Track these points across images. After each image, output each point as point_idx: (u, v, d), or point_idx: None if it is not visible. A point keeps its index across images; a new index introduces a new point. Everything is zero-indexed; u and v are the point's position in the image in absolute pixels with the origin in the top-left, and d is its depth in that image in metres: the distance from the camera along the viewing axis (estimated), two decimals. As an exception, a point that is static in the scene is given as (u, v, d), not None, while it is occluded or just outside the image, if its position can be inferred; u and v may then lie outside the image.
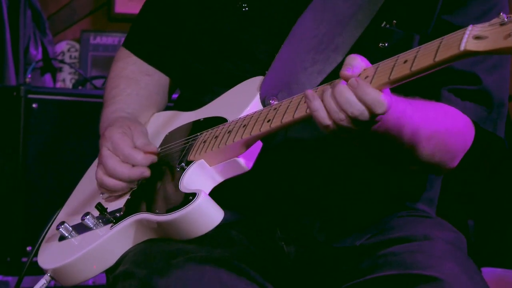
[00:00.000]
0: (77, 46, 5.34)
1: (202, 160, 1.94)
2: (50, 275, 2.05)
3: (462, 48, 1.55)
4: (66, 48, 5.36)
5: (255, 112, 1.90)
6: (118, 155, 2.02)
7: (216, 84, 2.10)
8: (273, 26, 2.07)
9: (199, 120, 2.08)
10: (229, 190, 1.93)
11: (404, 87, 1.97)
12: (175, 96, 2.33)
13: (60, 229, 2.06)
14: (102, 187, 2.06)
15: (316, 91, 1.76)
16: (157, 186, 2.00)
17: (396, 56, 1.66)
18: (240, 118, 1.92)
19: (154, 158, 2.04)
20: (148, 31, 2.30)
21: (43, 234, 2.16)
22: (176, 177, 1.95)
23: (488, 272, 3.24)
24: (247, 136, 1.86)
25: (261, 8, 2.09)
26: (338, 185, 2.02)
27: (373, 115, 1.69)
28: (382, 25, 1.98)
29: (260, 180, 2.00)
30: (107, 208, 2.03)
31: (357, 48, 1.94)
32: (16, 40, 4.65)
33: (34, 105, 3.65)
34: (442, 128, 1.94)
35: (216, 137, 1.93)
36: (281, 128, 1.82)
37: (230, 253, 1.92)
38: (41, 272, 2.11)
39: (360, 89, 1.68)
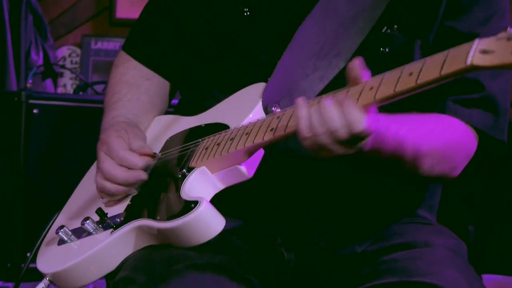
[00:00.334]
0: (78, 51, 5.35)
1: (204, 167, 1.94)
2: (49, 279, 2.04)
3: (468, 62, 1.54)
4: (67, 53, 5.36)
5: (258, 119, 1.90)
6: (113, 158, 2.02)
7: (217, 88, 2.10)
8: (274, 31, 2.06)
9: (200, 126, 2.07)
10: (230, 197, 1.92)
11: (407, 98, 1.98)
12: (174, 101, 2.33)
13: (60, 233, 2.05)
14: (102, 191, 2.06)
15: (309, 101, 1.77)
16: (158, 192, 1.99)
17: (401, 67, 1.66)
18: (242, 125, 1.92)
19: (149, 160, 2.04)
20: (149, 35, 2.29)
21: (41, 238, 2.15)
22: (177, 184, 1.94)
23: (489, 279, 3.23)
24: (250, 144, 1.86)
25: (262, 13, 2.09)
26: (339, 193, 2.02)
27: (355, 137, 1.70)
28: (383, 30, 1.98)
29: (261, 188, 1.99)
30: (107, 213, 2.02)
31: (359, 54, 1.94)
32: (17, 45, 4.66)
33: (35, 111, 3.65)
34: (440, 143, 1.94)
35: (218, 144, 1.93)
36: (284, 138, 1.82)
37: (231, 260, 1.92)
38: (39, 277, 2.11)
39: (345, 107, 1.69)
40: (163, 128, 2.18)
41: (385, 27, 1.98)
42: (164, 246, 1.92)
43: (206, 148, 1.95)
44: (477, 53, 1.54)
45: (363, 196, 2.03)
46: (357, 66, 1.73)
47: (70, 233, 2.05)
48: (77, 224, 2.06)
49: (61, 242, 2.06)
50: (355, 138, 1.71)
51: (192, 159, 1.97)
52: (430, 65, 1.61)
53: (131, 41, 2.33)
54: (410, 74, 1.63)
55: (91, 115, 3.74)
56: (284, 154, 1.99)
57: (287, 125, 1.81)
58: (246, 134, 1.87)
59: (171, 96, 2.32)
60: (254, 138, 1.85)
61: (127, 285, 1.87)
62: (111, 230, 1.98)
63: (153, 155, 2.06)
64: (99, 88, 4.51)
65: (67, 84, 5.18)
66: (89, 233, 2.01)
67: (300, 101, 1.75)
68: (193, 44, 2.20)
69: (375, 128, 1.73)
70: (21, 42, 4.67)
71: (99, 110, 3.73)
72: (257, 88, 2.01)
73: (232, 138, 1.90)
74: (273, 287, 1.98)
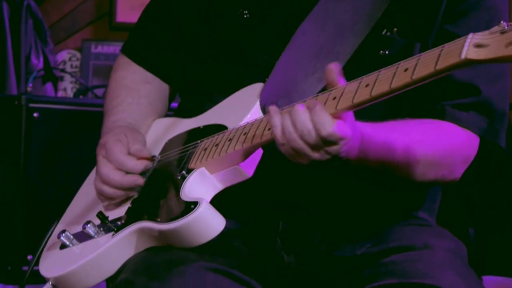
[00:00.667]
0: (78, 55, 5.35)
1: (203, 168, 1.94)
2: (52, 284, 2.04)
3: (463, 56, 1.55)
4: (67, 57, 5.36)
5: (256, 119, 1.90)
6: (111, 162, 2.03)
7: (216, 91, 2.10)
8: (274, 33, 2.07)
9: (199, 127, 2.07)
10: (230, 198, 1.93)
11: (403, 103, 1.99)
12: (174, 105, 2.33)
13: (61, 238, 2.05)
14: (100, 195, 2.06)
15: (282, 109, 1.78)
16: (158, 194, 2.00)
17: (396, 64, 1.66)
18: (240, 125, 1.92)
19: (148, 164, 2.04)
20: (148, 38, 2.29)
21: (44, 243, 2.16)
22: (177, 185, 1.95)
23: (489, 281, 3.23)
24: (248, 144, 1.86)
25: (262, 16, 2.09)
26: (338, 194, 2.02)
27: (324, 141, 1.70)
28: (383, 33, 1.98)
29: (260, 188, 1.99)
30: (108, 217, 2.03)
31: (358, 56, 1.94)
32: (18, 49, 4.66)
33: (35, 114, 3.65)
34: (432, 149, 1.94)
35: (217, 145, 1.93)
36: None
37: (231, 262, 1.92)
38: (42, 280, 2.11)
39: (314, 111, 1.70)
40: (162, 131, 2.18)
41: (385, 30, 1.98)
42: (165, 248, 1.93)
43: (205, 149, 1.96)
44: (471, 47, 1.54)
45: (363, 198, 2.03)
46: (334, 70, 1.74)
47: (71, 237, 2.05)
48: (78, 228, 2.07)
49: (63, 246, 2.07)
50: (325, 142, 1.72)
51: (191, 160, 1.97)
52: (425, 61, 1.61)
53: (131, 44, 2.33)
54: (406, 70, 1.64)
55: (92, 119, 3.74)
56: (283, 155, 1.99)
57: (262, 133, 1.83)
58: (244, 134, 1.88)
59: (171, 99, 2.33)
60: (252, 138, 1.85)
61: (127, 286, 1.87)
62: (112, 233, 1.98)
63: (151, 159, 2.06)
64: (99, 92, 4.52)
65: (67, 88, 5.18)
66: (91, 237, 2.02)
67: (272, 110, 1.77)
68: (192, 46, 2.20)
69: (351, 134, 1.73)
70: (21, 46, 4.67)
71: (99, 114, 3.72)
72: (255, 89, 2.01)
73: (231, 139, 1.91)
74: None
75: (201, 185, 1.93)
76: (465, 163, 2.01)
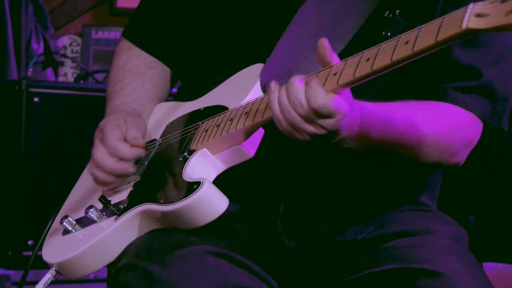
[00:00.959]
0: (79, 40, 5.34)
1: (205, 149, 1.94)
2: (55, 269, 2.04)
3: (464, 26, 1.54)
4: (68, 42, 5.35)
5: (257, 98, 1.90)
6: (106, 147, 2.02)
7: (217, 73, 2.09)
8: (275, 13, 2.06)
9: (199, 109, 2.07)
10: (230, 181, 1.92)
11: (405, 86, 1.98)
12: (174, 90, 2.33)
13: (64, 223, 2.05)
14: (93, 179, 2.06)
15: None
16: (160, 176, 1.99)
17: (397, 37, 1.66)
18: (241, 105, 1.92)
19: (140, 152, 2.03)
20: (150, 21, 2.29)
21: (47, 229, 2.15)
22: (179, 167, 1.94)
23: (490, 267, 3.23)
24: (250, 123, 1.86)
25: None
26: (340, 177, 2.02)
27: (316, 113, 1.70)
28: (385, 14, 1.98)
29: (260, 169, 1.99)
30: (110, 201, 2.03)
31: (360, 37, 1.94)
32: (18, 34, 4.65)
33: (35, 99, 3.64)
34: (433, 129, 1.93)
35: (218, 125, 1.93)
36: None
37: (233, 246, 1.92)
38: (43, 265, 2.11)
39: (310, 86, 1.70)
40: (163, 115, 2.18)
41: (387, 12, 1.97)
42: (166, 232, 1.93)
43: (206, 130, 1.95)
44: (472, 16, 1.54)
45: (365, 181, 2.03)
46: (325, 44, 1.73)
47: (74, 222, 2.05)
48: (81, 213, 2.06)
49: (66, 232, 2.07)
50: (317, 114, 1.71)
51: (193, 142, 1.97)
52: (425, 32, 1.60)
53: (132, 28, 2.33)
54: (406, 42, 1.63)
55: (92, 104, 3.73)
56: (285, 136, 1.98)
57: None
58: (245, 114, 1.87)
59: (172, 84, 2.33)
60: (254, 117, 1.85)
61: (129, 270, 1.87)
62: (115, 216, 1.98)
63: (145, 148, 2.05)
64: (99, 77, 4.51)
65: (68, 73, 5.17)
66: (93, 221, 2.01)
67: (272, 85, 1.77)
68: (193, 28, 2.19)
69: (347, 109, 1.72)
70: (22, 31, 4.66)
71: (100, 99, 3.74)
72: (255, 69, 2.01)
73: (232, 119, 1.90)
74: (274, 274, 1.98)
75: (203, 166, 1.93)
76: (468, 146, 2.00)
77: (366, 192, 2.04)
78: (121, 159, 2.01)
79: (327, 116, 1.72)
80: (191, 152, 1.95)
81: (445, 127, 1.96)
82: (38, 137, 3.64)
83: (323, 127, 1.73)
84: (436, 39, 1.58)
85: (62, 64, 5.13)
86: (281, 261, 2.03)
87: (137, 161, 2.06)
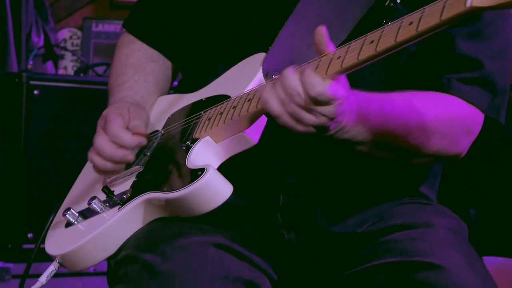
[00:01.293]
0: (79, 33, 5.33)
1: (208, 137, 1.94)
2: (58, 262, 2.04)
3: (468, 4, 1.53)
4: (68, 35, 5.34)
5: (260, 85, 1.90)
6: (107, 134, 2.02)
7: (219, 64, 2.10)
8: (276, 4, 2.06)
9: (201, 100, 2.07)
10: (231, 170, 1.92)
11: (407, 76, 1.98)
12: (174, 83, 2.33)
13: (67, 215, 2.05)
14: (93, 165, 2.06)
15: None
16: (163, 166, 1.99)
17: (400, 19, 1.66)
18: (244, 92, 1.92)
19: (142, 141, 2.03)
20: (152, 14, 2.29)
21: (49, 222, 2.15)
22: (182, 156, 1.94)
23: (490, 261, 3.23)
24: (253, 109, 1.85)
25: None
26: (340, 169, 2.02)
27: (314, 100, 1.71)
28: (387, 3, 1.98)
29: (261, 158, 1.99)
30: (113, 191, 2.03)
31: (361, 26, 1.94)
32: (18, 27, 4.64)
33: (35, 92, 3.64)
34: (431, 117, 1.93)
35: (221, 113, 1.93)
36: None
37: (233, 237, 1.93)
38: (45, 258, 2.11)
39: (304, 75, 1.72)
40: (165, 107, 2.18)
41: (388, 1, 1.97)
42: (167, 223, 1.93)
43: (209, 119, 1.95)
44: None
45: (365, 173, 2.03)
46: (323, 32, 1.74)
47: (77, 214, 2.05)
48: (83, 205, 2.07)
49: (68, 224, 2.06)
50: (316, 102, 1.72)
51: (196, 131, 1.97)
52: (429, 12, 1.60)
53: (134, 21, 2.33)
54: (410, 23, 1.63)
55: (92, 97, 3.73)
56: None
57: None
58: (248, 101, 1.87)
59: (174, 77, 2.33)
60: (257, 103, 1.85)
61: (129, 263, 1.87)
62: (118, 206, 1.98)
63: (146, 136, 2.05)
64: (100, 70, 4.50)
65: (68, 66, 5.17)
66: (96, 213, 2.01)
67: (266, 85, 1.79)
68: (194, 21, 2.20)
69: (344, 94, 1.73)
70: (22, 24, 4.65)
71: (100, 92, 3.76)
72: (257, 58, 2.01)
73: (235, 106, 1.90)
74: (274, 266, 1.98)
75: (206, 154, 1.93)
76: (468, 135, 2.00)
77: (365, 184, 2.04)
78: (121, 146, 2.01)
79: (326, 103, 1.73)
80: (194, 141, 1.95)
81: (444, 114, 1.96)
82: (38, 130, 3.63)
83: (323, 115, 1.74)
84: (440, 19, 1.57)
85: (62, 57, 5.12)
86: (281, 254, 2.03)
87: (140, 152, 2.06)
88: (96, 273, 3.72)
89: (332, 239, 2.02)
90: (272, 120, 1.83)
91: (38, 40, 4.76)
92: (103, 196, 2.03)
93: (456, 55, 1.98)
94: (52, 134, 3.69)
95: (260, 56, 2.00)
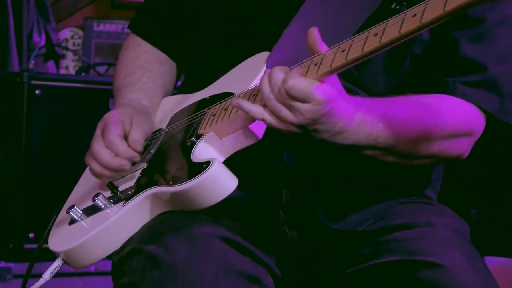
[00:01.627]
0: (81, 33, 5.33)
1: (212, 132, 1.95)
2: (62, 258, 2.03)
3: None
4: (69, 35, 5.35)
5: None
6: (104, 139, 2.02)
7: (223, 64, 2.10)
8: (280, 4, 2.06)
9: (205, 98, 2.08)
10: (234, 165, 1.91)
11: (411, 80, 1.98)
12: (178, 83, 2.34)
13: (70, 213, 2.04)
14: (89, 169, 2.06)
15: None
16: (168, 162, 2.00)
17: (403, 12, 1.66)
18: (249, 89, 1.92)
19: (135, 156, 2.02)
20: (157, 16, 2.30)
21: (53, 219, 2.15)
22: (187, 151, 1.95)
23: (491, 261, 3.23)
24: (258, 105, 1.84)
25: None
26: (343, 166, 2.02)
27: (289, 95, 1.73)
28: (392, 6, 1.98)
29: (264, 152, 1.99)
30: (118, 187, 2.03)
31: (367, 28, 1.94)
32: (20, 26, 4.64)
33: (37, 92, 3.64)
34: (433, 122, 1.93)
35: (226, 109, 1.94)
36: None
37: (236, 231, 1.93)
38: (46, 258, 2.11)
39: (289, 73, 1.74)
40: (169, 107, 2.19)
41: (394, 3, 1.98)
42: (170, 217, 1.93)
43: (214, 115, 1.96)
44: None
45: (367, 171, 2.03)
46: (315, 34, 1.75)
47: (81, 212, 2.05)
48: (87, 203, 2.07)
49: (72, 221, 2.06)
50: (291, 97, 1.74)
51: (200, 127, 1.98)
52: (433, 4, 1.60)
53: (141, 23, 2.34)
54: (414, 15, 1.63)
55: (94, 96, 3.73)
56: None
57: None
58: (253, 96, 1.88)
59: (177, 79, 2.34)
60: (262, 99, 1.85)
61: (135, 255, 1.88)
62: (123, 202, 1.99)
63: (140, 154, 2.05)
64: (101, 69, 4.50)
65: (69, 66, 5.17)
66: (100, 209, 2.01)
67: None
68: (198, 21, 2.21)
69: (328, 96, 1.74)
70: (23, 24, 4.65)
71: (101, 91, 3.76)
72: (261, 57, 2.01)
73: None
74: (276, 262, 1.99)
75: (211, 149, 1.94)
76: (470, 138, 2.00)
77: (368, 182, 2.04)
78: (117, 155, 2.01)
79: (301, 99, 1.73)
80: (198, 136, 1.96)
81: (447, 116, 1.96)
82: (39, 129, 3.64)
83: (300, 113, 1.75)
84: (444, 9, 1.58)
85: (63, 56, 5.12)
86: (283, 251, 2.03)
87: (144, 150, 2.07)
88: (97, 273, 3.73)
89: (333, 238, 2.02)
90: None
91: (39, 40, 4.76)
92: (107, 193, 2.03)
93: (460, 58, 1.99)
94: (53, 133, 3.69)
95: (264, 54, 2.01)
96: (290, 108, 1.76)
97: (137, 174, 2.04)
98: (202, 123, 1.98)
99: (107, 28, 5.24)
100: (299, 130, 1.78)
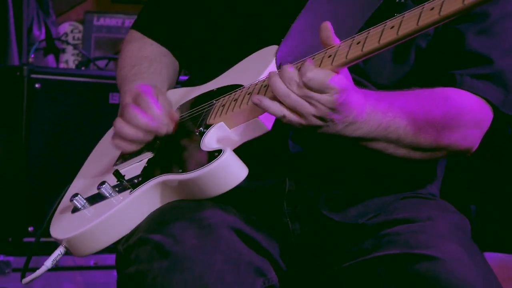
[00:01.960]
0: (80, 27, 5.33)
1: (222, 122, 1.95)
2: (65, 246, 2.02)
3: None
4: (69, 29, 5.34)
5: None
6: (140, 103, 2.01)
7: (231, 59, 2.11)
8: (287, 1, 2.07)
9: (212, 90, 2.09)
10: (241, 154, 1.92)
11: (418, 73, 1.99)
12: (182, 77, 2.34)
13: (74, 201, 2.04)
14: (118, 136, 2.03)
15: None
16: (175, 151, 2.00)
17: (420, 5, 1.68)
18: (259, 80, 1.92)
19: (171, 124, 2.02)
20: (163, 13, 2.31)
21: (53, 210, 2.14)
22: (196, 141, 1.95)
23: (490, 257, 3.23)
24: (270, 95, 1.85)
25: None
26: (347, 159, 2.03)
27: (308, 86, 1.75)
28: (397, 0, 1.99)
29: (271, 142, 1.99)
30: (124, 176, 2.03)
31: (372, 21, 1.95)
32: (19, 20, 4.63)
33: (37, 85, 3.63)
34: (440, 112, 1.95)
35: (236, 99, 1.94)
36: None
37: (243, 221, 1.94)
38: (45, 251, 2.10)
39: (302, 66, 1.76)
40: (175, 99, 2.19)
41: None
42: (176, 207, 1.93)
43: (223, 105, 1.97)
44: None
45: (371, 164, 2.03)
46: (328, 27, 1.78)
47: (84, 200, 2.04)
48: (91, 191, 2.06)
49: (75, 210, 2.05)
50: (310, 89, 1.75)
51: (209, 116, 1.98)
52: None
53: (144, 20, 2.35)
54: (432, 9, 1.64)
55: (94, 90, 3.73)
56: None
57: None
58: (264, 87, 1.89)
59: (178, 74, 2.35)
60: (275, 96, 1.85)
61: (141, 245, 1.87)
62: (129, 190, 1.98)
63: (177, 121, 2.05)
64: (101, 63, 4.50)
65: (69, 60, 5.17)
66: (105, 198, 2.01)
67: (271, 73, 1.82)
68: (204, 17, 2.21)
69: (344, 86, 1.76)
70: (23, 18, 4.64)
71: (101, 85, 3.75)
72: (270, 50, 2.03)
73: (250, 93, 1.92)
74: (280, 254, 2.00)
75: (220, 139, 1.94)
76: (478, 129, 2.01)
77: (371, 175, 2.05)
78: (155, 118, 2.00)
79: (320, 90, 1.75)
80: (207, 126, 1.96)
81: (454, 108, 1.98)
82: (39, 123, 3.63)
83: (320, 103, 1.77)
84: (463, 2, 1.59)
85: (63, 51, 5.12)
86: (285, 243, 2.04)
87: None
88: (96, 267, 3.72)
89: (334, 230, 2.03)
90: None
91: (39, 34, 4.75)
92: (112, 181, 2.02)
93: (467, 51, 2.01)
94: (53, 127, 3.68)
95: (273, 48, 2.02)
96: (309, 100, 1.77)
97: (143, 163, 2.04)
98: (211, 113, 1.98)
99: (107, 22, 5.23)
100: (320, 122, 1.80)
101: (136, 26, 2.36)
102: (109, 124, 2.16)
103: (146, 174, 1.99)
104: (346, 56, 1.75)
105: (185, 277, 1.79)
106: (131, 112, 2.01)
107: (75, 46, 5.09)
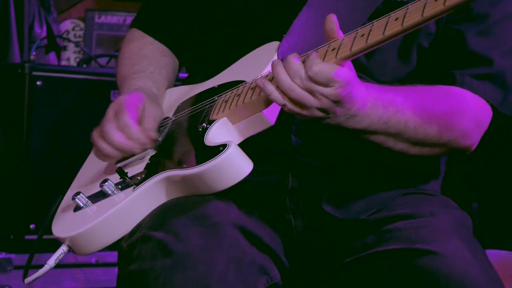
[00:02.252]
0: (82, 25, 5.33)
1: (225, 118, 1.95)
2: (67, 245, 2.02)
3: None
4: (70, 27, 5.34)
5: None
6: (118, 121, 2.00)
7: (232, 56, 2.10)
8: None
9: (213, 87, 2.08)
10: (244, 149, 1.91)
11: (419, 72, 1.99)
12: (181, 75, 2.34)
13: (76, 200, 2.03)
14: (96, 149, 2.04)
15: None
16: (178, 147, 2.00)
17: None
18: (262, 75, 1.92)
19: (148, 144, 2.01)
20: (163, 11, 2.31)
21: (54, 209, 2.14)
22: (199, 137, 1.95)
23: (492, 254, 3.23)
24: (274, 85, 1.84)
25: None
26: (350, 154, 2.03)
27: (313, 80, 1.75)
28: None
29: (275, 137, 2.00)
30: (127, 173, 2.02)
31: (373, 19, 1.95)
32: (21, 18, 4.63)
33: (38, 83, 3.63)
34: (441, 109, 1.96)
35: (239, 95, 1.94)
36: None
37: (246, 219, 1.94)
38: (47, 249, 2.10)
39: (308, 59, 1.76)
40: (175, 97, 2.19)
41: None
42: (179, 204, 1.93)
43: (226, 101, 1.96)
44: None
45: (373, 159, 2.04)
46: (334, 20, 1.78)
47: (86, 198, 2.03)
48: (94, 189, 2.06)
49: (77, 208, 2.05)
50: (315, 82, 1.76)
51: (212, 113, 1.98)
52: None
53: (145, 18, 2.35)
54: (436, 0, 1.65)
55: (95, 88, 3.73)
56: None
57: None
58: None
59: (178, 72, 2.35)
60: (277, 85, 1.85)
61: (144, 242, 1.87)
62: (133, 187, 1.98)
63: (155, 140, 2.04)
64: (102, 61, 4.50)
65: (71, 57, 5.17)
66: (108, 195, 2.00)
67: (275, 61, 1.82)
68: (205, 15, 2.21)
69: (349, 78, 1.77)
70: (25, 15, 4.64)
71: (103, 83, 3.76)
72: (272, 46, 2.03)
73: (253, 87, 1.91)
74: (283, 251, 2.01)
75: (223, 134, 1.94)
76: (478, 127, 2.03)
77: (373, 170, 2.05)
78: (129, 138, 2.00)
79: (324, 83, 1.75)
80: (210, 122, 1.96)
81: (454, 107, 1.99)
82: (41, 121, 3.63)
83: (324, 96, 1.77)
84: None
85: (65, 48, 5.12)
86: (287, 240, 2.04)
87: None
88: (98, 264, 3.73)
89: (337, 226, 2.03)
90: None
91: (40, 31, 4.75)
92: (115, 179, 2.02)
93: (467, 52, 2.02)
94: (55, 125, 3.69)
95: (275, 44, 2.02)
96: (313, 93, 1.77)
97: (146, 160, 2.03)
98: (213, 109, 1.98)
99: (108, 20, 5.23)
100: (322, 114, 1.80)
101: (136, 24, 2.36)
102: (110, 122, 2.15)
103: (149, 171, 1.99)
104: (351, 48, 1.75)
105: (188, 277, 1.78)
106: (106, 128, 2.01)
107: (76, 44, 5.09)
